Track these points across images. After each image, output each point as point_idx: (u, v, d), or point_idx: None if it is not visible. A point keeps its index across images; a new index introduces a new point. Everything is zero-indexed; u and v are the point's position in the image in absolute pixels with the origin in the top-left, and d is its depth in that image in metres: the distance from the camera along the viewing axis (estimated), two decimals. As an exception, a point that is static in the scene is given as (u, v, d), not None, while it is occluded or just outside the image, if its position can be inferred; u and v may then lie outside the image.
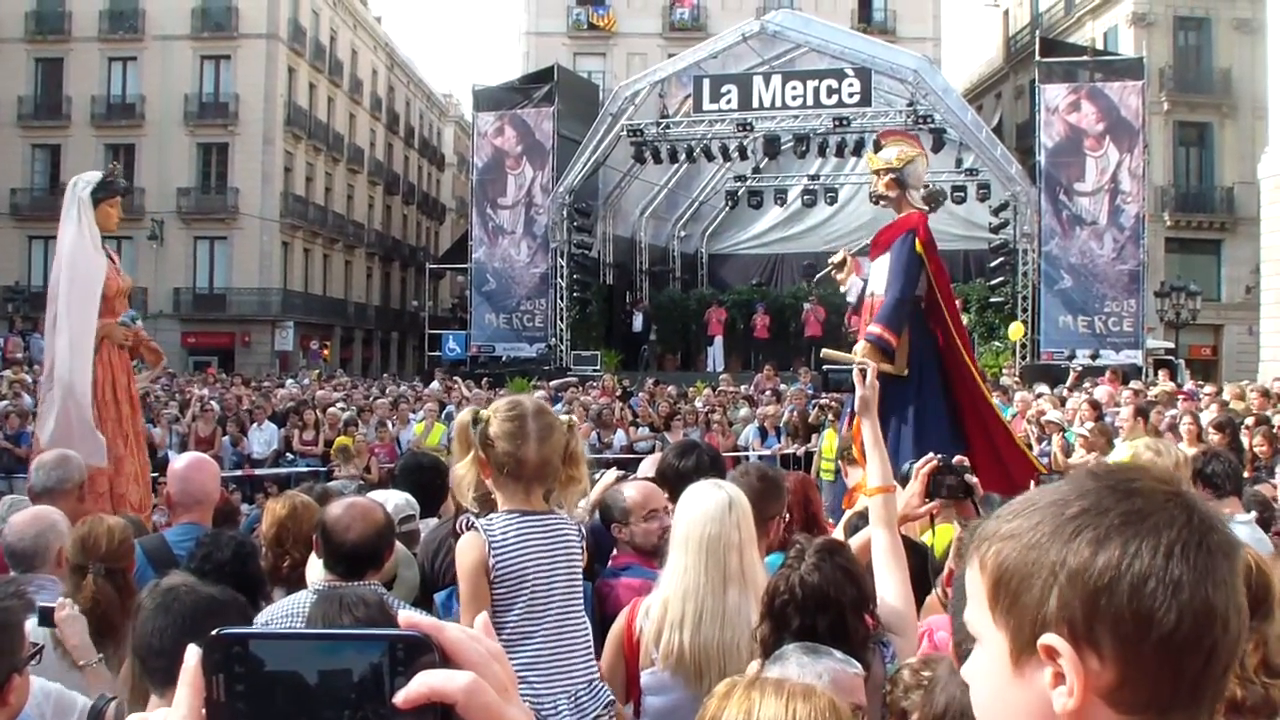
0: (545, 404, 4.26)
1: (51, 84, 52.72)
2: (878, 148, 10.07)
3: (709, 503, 4.24)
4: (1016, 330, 30.92)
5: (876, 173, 9.46)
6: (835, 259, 10.10)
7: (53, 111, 52.08)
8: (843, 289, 10.00)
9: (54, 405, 8.37)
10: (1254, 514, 7.06)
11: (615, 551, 5.43)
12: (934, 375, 8.79)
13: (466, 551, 4.05)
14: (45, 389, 8.65)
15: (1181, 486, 1.43)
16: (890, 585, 4.02)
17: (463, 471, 4.09)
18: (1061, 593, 1.36)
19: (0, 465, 20.43)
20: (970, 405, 9.04)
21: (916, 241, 8.98)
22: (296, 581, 4.70)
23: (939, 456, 5.07)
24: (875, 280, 9.31)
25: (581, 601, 4.26)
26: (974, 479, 5.24)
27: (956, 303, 10.23)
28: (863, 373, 4.23)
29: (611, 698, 4.14)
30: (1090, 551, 1.36)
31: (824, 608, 3.56)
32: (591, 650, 4.23)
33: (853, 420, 5.45)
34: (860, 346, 8.86)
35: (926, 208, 9.34)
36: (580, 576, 4.26)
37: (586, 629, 4.23)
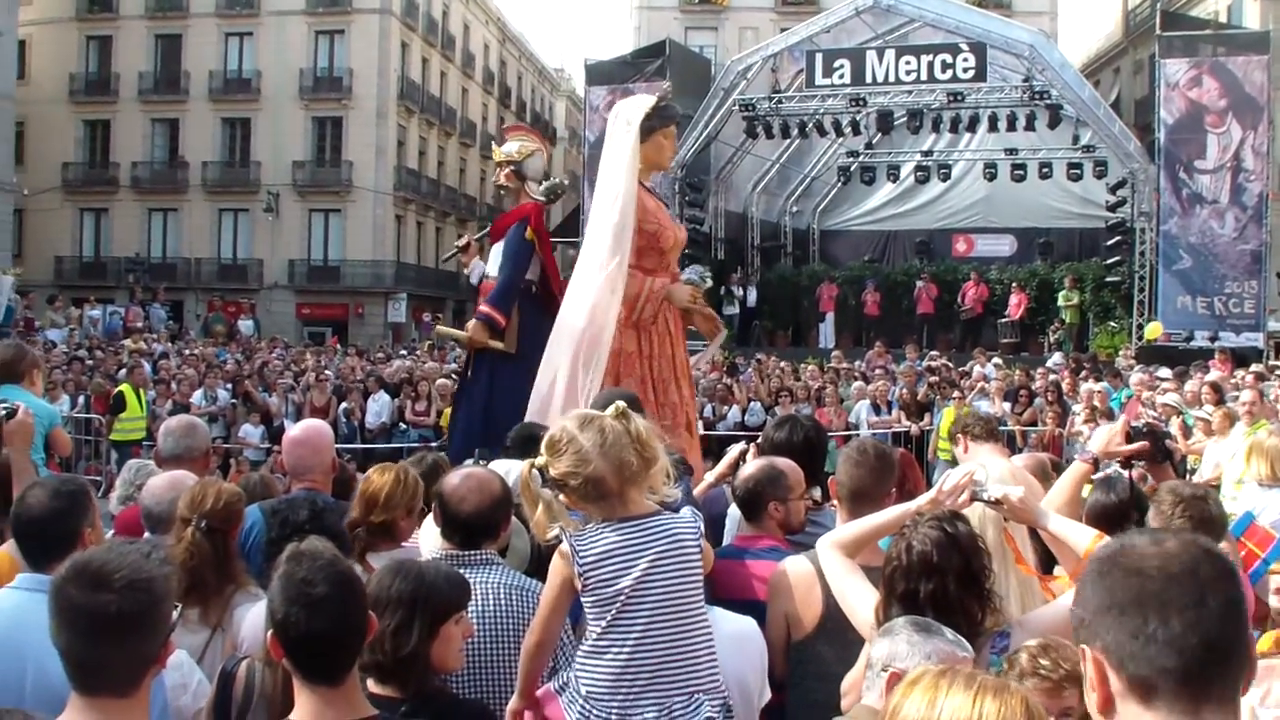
0: (585, 411, 4.02)
1: (170, 60, 53.72)
2: (501, 141, 10.59)
3: None
4: (1154, 329, 29.95)
5: (499, 165, 10.03)
6: (460, 242, 10.74)
7: (171, 87, 53.10)
8: (465, 270, 10.58)
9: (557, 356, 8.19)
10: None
11: (746, 529, 5.23)
12: (539, 354, 8.89)
13: (555, 571, 3.90)
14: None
15: None
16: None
17: (544, 523, 3.87)
18: None
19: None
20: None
21: (528, 229, 9.60)
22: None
23: (1135, 423, 5.18)
24: (491, 264, 9.91)
25: (692, 609, 3.86)
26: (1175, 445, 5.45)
27: None
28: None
29: (712, 714, 3.77)
30: None
31: (928, 574, 3.60)
32: (705, 660, 3.84)
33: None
34: (471, 324, 9.53)
35: (544, 199, 9.83)
36: (691, 579, 3.85)
37: (698, 637, 3.85)
